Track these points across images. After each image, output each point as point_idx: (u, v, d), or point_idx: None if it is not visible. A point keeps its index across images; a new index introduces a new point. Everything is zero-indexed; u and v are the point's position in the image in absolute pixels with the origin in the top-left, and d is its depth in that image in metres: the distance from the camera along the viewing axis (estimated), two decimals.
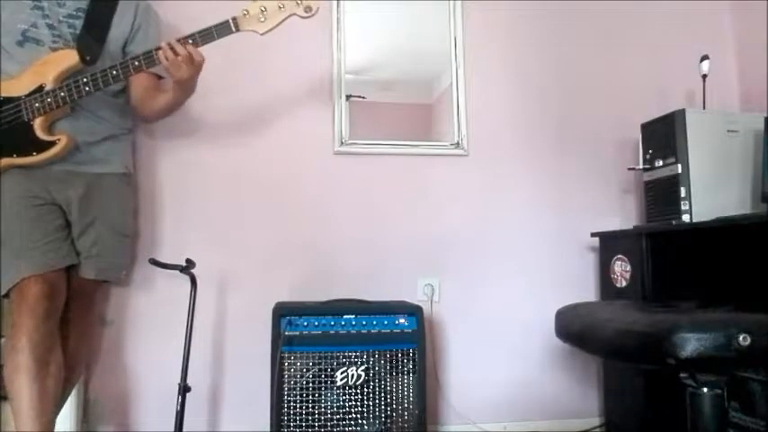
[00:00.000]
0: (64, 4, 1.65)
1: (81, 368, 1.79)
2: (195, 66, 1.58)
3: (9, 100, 1.55)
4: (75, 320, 1.66)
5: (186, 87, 1.70)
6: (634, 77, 2.37)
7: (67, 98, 1.54)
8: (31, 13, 1.61)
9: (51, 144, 1.56)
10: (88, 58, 1.59)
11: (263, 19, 1.56)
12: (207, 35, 1.56)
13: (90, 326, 1.80)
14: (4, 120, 1.54)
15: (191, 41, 1.56)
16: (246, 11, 1.56)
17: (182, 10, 1.99)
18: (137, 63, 1.55)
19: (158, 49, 1.54)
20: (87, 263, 1.64)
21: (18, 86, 1.56)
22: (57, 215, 1.60)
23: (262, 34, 1.58)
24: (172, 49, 1.53)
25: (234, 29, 1.56)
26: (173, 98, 1.75)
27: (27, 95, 1.55)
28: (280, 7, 1.56)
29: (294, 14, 1.57)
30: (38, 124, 1.55)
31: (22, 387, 1.46)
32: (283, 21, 1.57)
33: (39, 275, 1.50)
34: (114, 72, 1.54)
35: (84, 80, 1.54)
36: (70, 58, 1.57)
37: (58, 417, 1.60)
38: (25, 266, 1.50)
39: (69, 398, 1.78)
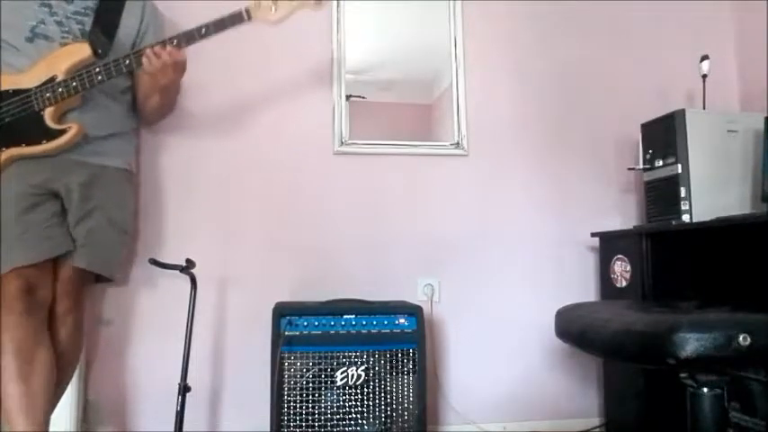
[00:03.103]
0: (72, 1, 1.67)
1: (74, 365, 1.74)
2: (180, 68, 1.62)
3: (19, 92, 1.57)
4: (64, 316, 1.63)
5: (170, 91, 1.75)
6: (634, 77, 2.37)
7: (79, 87, 1.56)
8: (39, 11, 1.63)
9: (62, 132, 1.57)
10: (100, 51, 1.61)
11: (274, 9, 1.59)
12: (220, 24, 1.59)
13: (81, 322, 1.74)
14: (13, 111, 1.56)
15: (204, 31, 1.59)
16: (258, 1, 1.59)
17: (185, 7, 1.98)
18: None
19: (163, 42, 1.58)
20: (81, 251, 1.61)
21: (28, 79, 1.57)
22: (52, 203, 1.59)
23: (273, 23, 1.60)
24: (156, 54, 1.57)
25: (246, 18, 1.60)
26: (159, 102, 1.78)
27: (38, 86, 1.56)
28: None
29: (305, 6, 1.60)
30: (48, 114, 1.57)
31: (8, 386, 1.46)
32: (294, 11, 1.60)
33: (18, 271, 1.49)
34: (127, 61, 1.58)
35: (97, 69, 1.56)
36: (83, 50, 1.60)
37: (58, 417, 1.60)
38: (14, 257, 1.50)
39: (69, 398, 1.78)
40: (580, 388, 2.22)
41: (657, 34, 2.42)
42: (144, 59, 1.58)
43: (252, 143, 2.12)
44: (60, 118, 1.59)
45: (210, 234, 2.06)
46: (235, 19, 1.59)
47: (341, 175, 2.16)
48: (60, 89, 1.55)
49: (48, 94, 1.55)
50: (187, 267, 1.74)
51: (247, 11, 1.59)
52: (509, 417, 2.16)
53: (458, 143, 2.24)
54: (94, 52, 1.59)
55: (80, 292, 1.69)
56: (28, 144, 1.56)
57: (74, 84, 1.55)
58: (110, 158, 1.70)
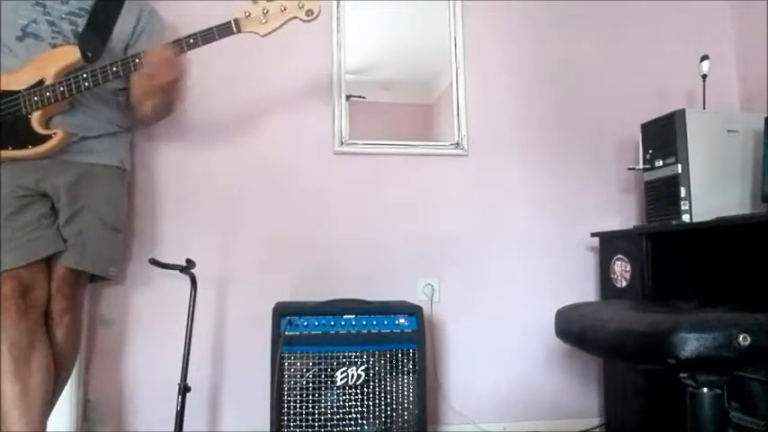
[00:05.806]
0: (67, 2, 1.66)
1: (72, 365, 1.71)
2: (175, 68, 1.59)
3: (8, 93, 1.56)
4: (60, 316, 1.61)
5: (167, 93, 1.70)
6: (634, 77, 2.37)
7: (66, 93, 1.55)
8: (33, 10, 1.62)
9: (47, 138, 1.56)
10: (90, 54, 1.59)
11: (264, 21, 1.57)
12: (208, 35, 1.57)
13: (79, 322, 1.71)
14: (1, 112, 1.55)
15: (192, 41, 1.57)
16: (248, 12, 1.57)
17: (183, 11, 1.98)
18: (137, 60, 1.56)
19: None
20: (71, 251, 1.60)
21: (18, 80, 1.56)
22: (41, 204, 1.59)
23: (263, 36, 1.59)
24: (154, 54, 1.55)
25: (235, 30, 1.58)
26: (157, 103, 1.74)
27: (26, 89, 1.55)
28: (282, 9, 1.57)
29: (296, 17, 1.58)
30: (35, 118, 1.56)
31: (5, 387, 1.46)
32: (285, 23, 1.59)
33: (10, 272, 1.49)
34: (115, 69, 1.55)
35: (84, 75, 1.55)
36: (72, 54, 1.58)
37: (58, 417, 1.60)
38: (4, 259, 1.49)
39: (69, 398, 1.78)
40: (580, 388, 2.22)
41: (657, 34, 2.42)
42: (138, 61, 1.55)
43: (252, 143, 2.12)
44: (48, 122, 1.58)
45: (210, 234, 2.06)
46: (223, 31, 1.57)
47: (341, 175, 2.16)
48: (48, 93, 1.54)
49: (35, 98, 1.54)
50: (187, 267, 1.74)
51: (236, 22, 1.57)
52: (509, 417, 2.16)
53: (458, 143, 2.24)
54: (84, 56, 1.57)
55: (76, 291, 1.67)
56: (14, 147, 1.55)
57: (61, 89, 1.54)
58: (99, 156, 1.68)
